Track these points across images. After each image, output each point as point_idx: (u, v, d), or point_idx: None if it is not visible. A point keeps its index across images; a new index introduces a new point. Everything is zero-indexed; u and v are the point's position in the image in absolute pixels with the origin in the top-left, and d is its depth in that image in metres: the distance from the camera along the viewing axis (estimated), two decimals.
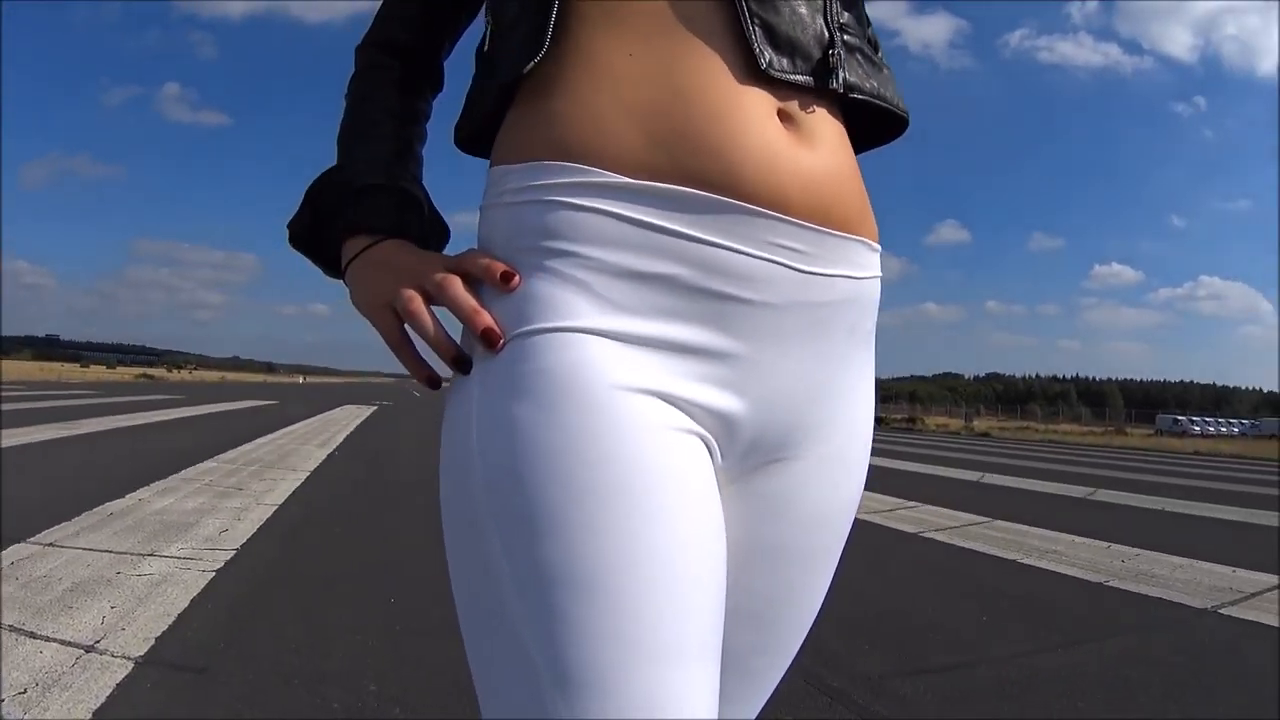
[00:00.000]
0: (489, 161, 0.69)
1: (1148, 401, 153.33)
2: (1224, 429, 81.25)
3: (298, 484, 6.48)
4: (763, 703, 0.75)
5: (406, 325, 0.66)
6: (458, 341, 0.64)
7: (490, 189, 0.67)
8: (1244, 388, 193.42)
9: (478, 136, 0.71)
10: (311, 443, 10.45)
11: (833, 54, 0.66)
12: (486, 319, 0.61)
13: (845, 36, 0.68)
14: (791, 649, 0.74)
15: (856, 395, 0.71)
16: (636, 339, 0.60)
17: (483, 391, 0.60)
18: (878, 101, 0.70)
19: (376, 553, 4.21)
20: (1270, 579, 4.55)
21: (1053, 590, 4.12)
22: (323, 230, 0.72)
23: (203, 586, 3.32)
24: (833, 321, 0.66)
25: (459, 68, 0.80)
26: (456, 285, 0.63)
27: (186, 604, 3.06)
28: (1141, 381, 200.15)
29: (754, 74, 0.63)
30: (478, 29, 0.73)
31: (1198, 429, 76.72)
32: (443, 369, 0.67)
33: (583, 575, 0.53)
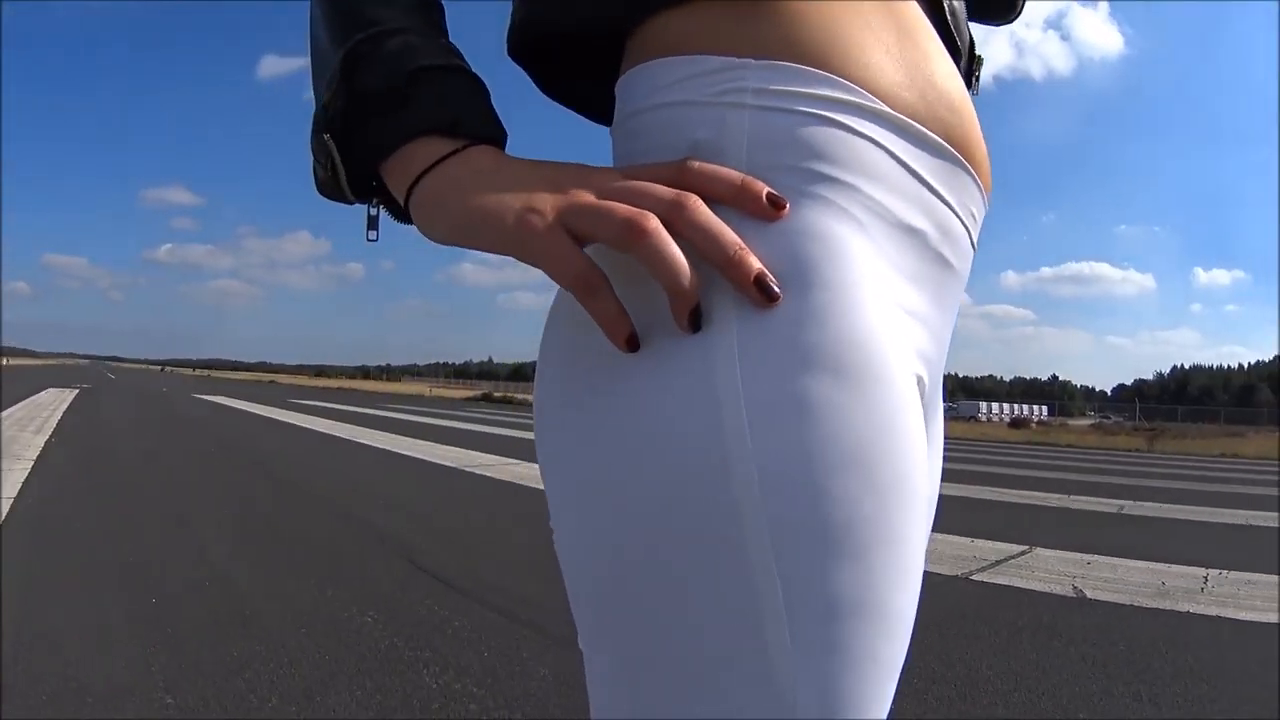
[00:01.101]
0: (666, 50, 0.50)
1: None
2: None
3: (25, 474, 6.21)
4: None
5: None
6: None
7: (701, 80, 0.48)
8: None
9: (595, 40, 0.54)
10: (27, 429, 10.15)
11: (977, 55, 0.64)
12: (756, 261, 0.44)
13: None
14: None
15: None
16: (901, 304, 0.49)
17: (748, 362, 0.43)
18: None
19: (121, 547, 4.07)
20: (1010, 548, 4.94)
21: None
22: (368, 122, 0.50)
23: None
24: (958, 298, 0.57)
25: None
26: (703, 207, 0.44)
27: None
28: None
29: (952, 50, 0.57)
30: None
31: None
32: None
33: (874, 599, 0.43)
